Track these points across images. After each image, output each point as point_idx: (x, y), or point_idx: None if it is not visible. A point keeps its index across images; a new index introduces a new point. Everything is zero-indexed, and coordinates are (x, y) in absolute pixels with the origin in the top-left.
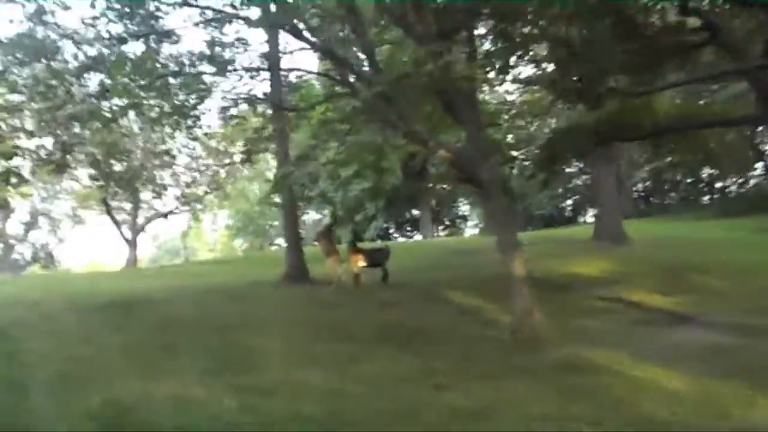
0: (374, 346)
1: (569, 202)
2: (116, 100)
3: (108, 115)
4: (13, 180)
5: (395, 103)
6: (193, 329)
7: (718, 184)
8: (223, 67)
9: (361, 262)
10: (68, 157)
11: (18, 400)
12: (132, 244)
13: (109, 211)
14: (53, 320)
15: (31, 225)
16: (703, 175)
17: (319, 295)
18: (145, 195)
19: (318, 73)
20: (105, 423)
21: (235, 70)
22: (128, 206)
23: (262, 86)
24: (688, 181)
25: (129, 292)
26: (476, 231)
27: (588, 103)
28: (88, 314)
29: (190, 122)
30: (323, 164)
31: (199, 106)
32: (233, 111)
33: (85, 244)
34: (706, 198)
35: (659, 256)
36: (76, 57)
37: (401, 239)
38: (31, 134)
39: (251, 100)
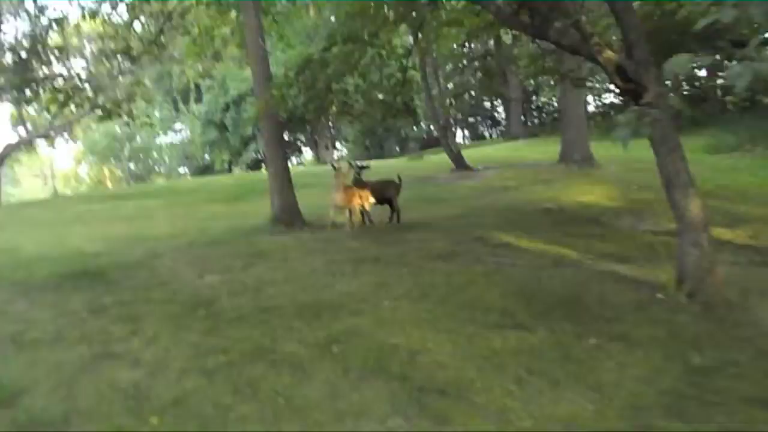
0: (552, 324)
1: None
2: None
3: None
4: None
5: None
6: (277, 314)
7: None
8: None
9: (370, 198)
10: None
11: None
12: None
13: None
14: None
15: None
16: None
17: (344, 243)
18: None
19: None
20: None
21: None
22: None
23: None
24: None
25: (73, 249)
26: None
27: None
28: (68, 292)
29: None
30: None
31: None
32: None
33: None
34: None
35: (647, 179)
36: None
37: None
38: None
39: None
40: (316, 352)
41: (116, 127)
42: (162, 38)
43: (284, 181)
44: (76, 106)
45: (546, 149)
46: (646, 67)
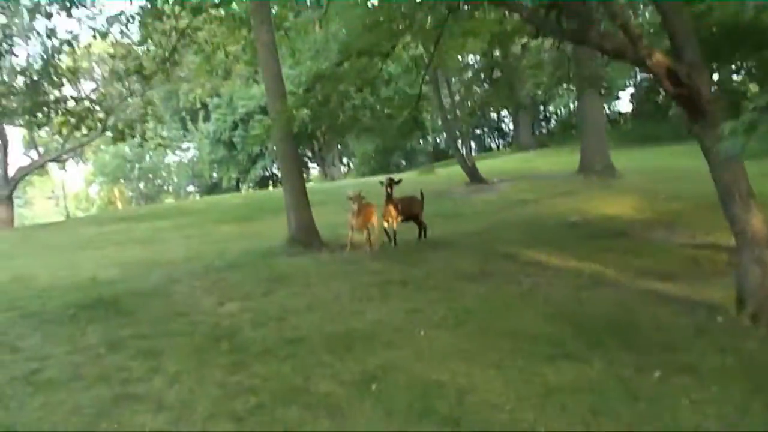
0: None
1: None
2: None
3: None
4: None
5: None
6: (306, 347)
7: None
8: None
9: (398, 217)
10: None
11: None
12: (6, 199)
13: None
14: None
15: None
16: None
17: (366, 264)
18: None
19: None
20: None
21: None
22: None
23: None
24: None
25: (87, 277)
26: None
27: None
28: (83, 324)
29: None
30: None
31: None
32: None
33: None
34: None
35: (672, 189)
36: None
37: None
38: None
39: None
40: (353, 391)
41: (126, 147)
42: (175, 56)
43: (300, 198)
44: (89, 128)
45: (559, 159)
46: (698, 69)
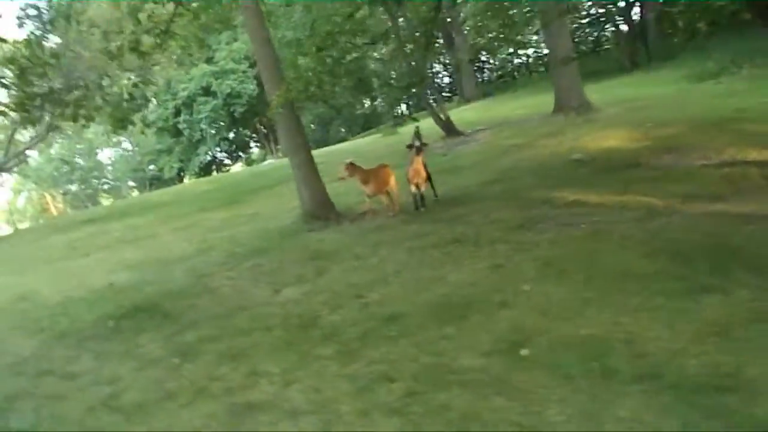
0: None
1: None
2: None
3: None
4: None
5: None
6: (411, 323)
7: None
8: None
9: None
10: None
11: None
12: None
13: None
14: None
15: None
16: None
17: (400, 229)
18: None
19: None
20: None
21: None
22: None
23: None
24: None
25: (100, 285)
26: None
27: None
28: (132, 335)
29: None
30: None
31: None
32: None
33: None
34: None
35: (652, 116)
36: None
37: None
38: None
39: None
40: (506, 361)
41: (61, 149)
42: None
43: (310, 170)
44: (86, 119)
45: (520, 104)
46: None
